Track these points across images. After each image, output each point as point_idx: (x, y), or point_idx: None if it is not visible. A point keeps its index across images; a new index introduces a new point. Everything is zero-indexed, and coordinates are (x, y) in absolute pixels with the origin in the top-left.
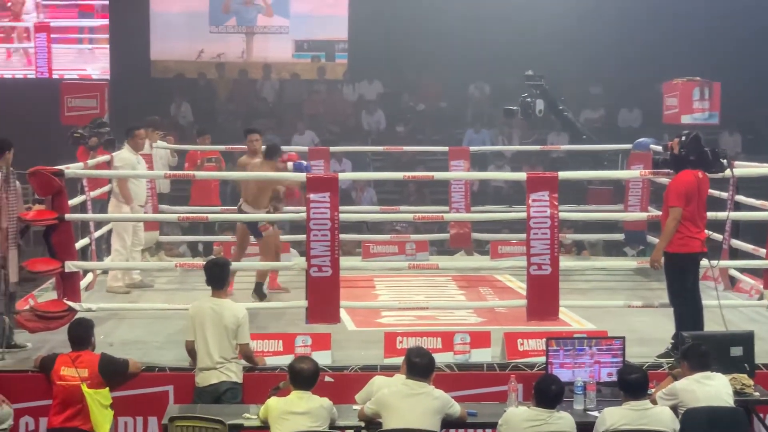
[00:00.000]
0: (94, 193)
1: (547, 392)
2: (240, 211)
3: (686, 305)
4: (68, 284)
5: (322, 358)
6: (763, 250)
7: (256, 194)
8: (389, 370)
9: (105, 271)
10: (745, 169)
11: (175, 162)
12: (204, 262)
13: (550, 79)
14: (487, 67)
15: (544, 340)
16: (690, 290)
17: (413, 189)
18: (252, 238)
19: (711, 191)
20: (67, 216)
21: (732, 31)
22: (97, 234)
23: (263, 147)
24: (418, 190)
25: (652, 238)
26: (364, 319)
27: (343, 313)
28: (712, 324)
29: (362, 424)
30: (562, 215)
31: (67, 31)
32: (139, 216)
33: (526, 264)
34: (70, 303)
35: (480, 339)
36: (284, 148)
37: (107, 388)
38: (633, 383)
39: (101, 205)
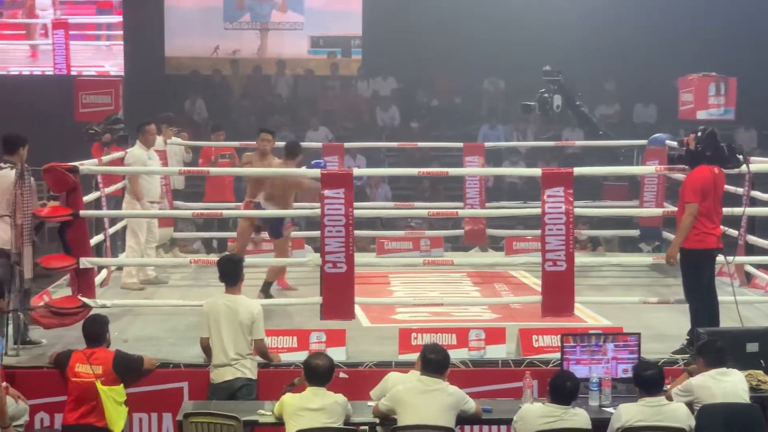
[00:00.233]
0: (108, 190)
1: (562, 388)
2: (257, 207)
3: (702, 301)
4: (83, 280)
5: (337, 354)
6: None
7: (282, 194)
8: (404, 367)
9: (119, 268)
10: (760, 164)
11: (189, 158)
12: (218, 258)
13: (565, 74)
14: (502, 62)
15: (559, 336)
16: (706, 286)
17: (428, 185)
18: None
19: (727, 187)
20: (82, 212)
21: (748, 27)
22: (111, 230)
23: (284, 144)
24: (433, 186)
25: (667, 234)
26: (378, 316)
27: (357, 310)
28: (727, 320)
29: (377, 420)
30: (577, 211)
31: (85, 27)
32: (153, 212)
33: (541, 260)
34: (85, 299)
35: (495, 335)
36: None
37: (122, 385)
38: (648, 379)
39: (116, 201)
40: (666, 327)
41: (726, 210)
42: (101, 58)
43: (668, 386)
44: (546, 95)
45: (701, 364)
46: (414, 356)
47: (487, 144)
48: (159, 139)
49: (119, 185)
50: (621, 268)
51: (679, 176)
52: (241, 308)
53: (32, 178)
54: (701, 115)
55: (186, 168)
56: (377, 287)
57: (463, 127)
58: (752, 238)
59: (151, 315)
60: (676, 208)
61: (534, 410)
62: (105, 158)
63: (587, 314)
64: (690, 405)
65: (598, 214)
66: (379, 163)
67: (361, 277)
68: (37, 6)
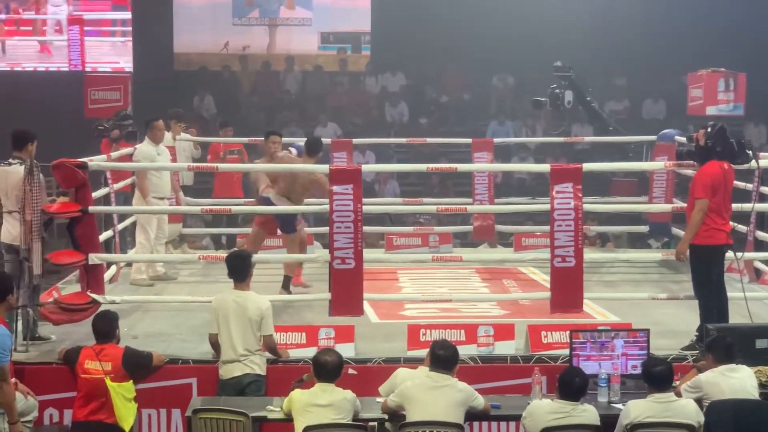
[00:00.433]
0: (117, 186)
1: (571, 385)
2: (265, 202)
3: (711, 297)
4: (92, 276)
5: (346, 350)
6: None
7: (301, 192)
8: (412, 363)
9: (129, 264)
10: None
11: (198, 154)
12: (226, 255)
13: (574, 70)
14: (511, 58)
15: (568, 332)
16: (715, 282)
17: (436, 181)
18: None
19: (736, 183)
20: (91, 208)
21: (757, 22)
22: (120, 226)
23: (304, 141)
24: (442, 182)
25: (676, 230)
26: (387, 312)
27: (366, 306)
28: (737, 316)
29: (385, 416)
30: (586, 207)
31: (100, 23)
32: (162, 208)
33: (550, 256)
34: (94, 295)
35: (504, 331)
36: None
37: (131, 382)
38: (657, 375)
39: (125, 197)
40: (675, 323)
41: (735, 206)
42: (116, 54)
43: (677, 382)
44: (557, 91)
45: (710, 360)
46: (423, 352)
47: (496, 140)
48: (168, 136)
49: (128, 181)
50: (630, 265)
51: (689, 172)
52: (249, 304)
53: (41, 175)
54: (710, 110)
55: (195, 164)
56: (386, 283)
57: (472, 123)
58: (762, 234)
59: (160, 311)
60: (685, 204)
61: (543, 406)
62: (114, 154)
63: (596, 310)
64: (699, 401)
65: (607, 210)
66: (388, 159)
67: (370, 274)
68: (50, 1)
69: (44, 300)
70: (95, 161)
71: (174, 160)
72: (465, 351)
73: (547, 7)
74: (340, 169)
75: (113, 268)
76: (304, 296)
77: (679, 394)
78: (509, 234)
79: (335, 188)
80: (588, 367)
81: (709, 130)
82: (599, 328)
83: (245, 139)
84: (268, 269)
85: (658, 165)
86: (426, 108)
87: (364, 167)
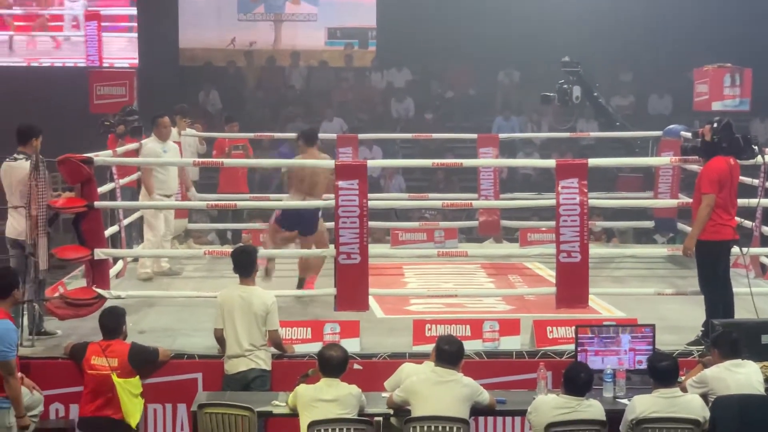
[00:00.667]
0: (123, 181)
1: (577, 380)
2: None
3: (717, 293)
4: (97, 271)
5: (351, 345)
6: None
7: (325, 188)
8: (418, 358)
9: (135, 259)
10: None
11: (203, 149)
12: (232, 250)
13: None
14: (517, 54)
15: (574, 327)
16: (721, 278)
17: (442, 176)
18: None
19: (742, 178)
20: (97, 204)
21: (763, 17)
22: (126, 221)
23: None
24: (447, 178)
25: (682, 226)
26: (392, 307)
27: (371, 301)
28: (742, 311)
29: (391, 411)
30: (592, 202)
31: (116, 19)
32: (168, 204)
33: (556, 251)
34: (100, 290)
35: (509, 326)
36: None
37: (137, 377)
38: (663, 371)
39: (131, 192)
40: (681, 318)
41: (741, 201)
42: (132, 49)
43: (683, 378)
44: (565, 86)
45: (716, 355)
46: (428, 347)
47: (502, 135)
48: (173, 131)
49: (134, 177)
50: (635, 260)
51: (694, 167)
52: (255, 299)
53: (46, 170)
54: (716, 106)
55: (200, 159)
56: (391, 278)
57: (477, 118)
58: (767, 230)
59: (166, 306)
60: (690, 200)
61: (548, 401)
62: (119, 149)
63: (602, 306)
64: (705, 396)
65: (612, 205)
66: (394, 155)
67: (376, 269)
68: None
69: (50, 295)
70: (101, 156)
71: (182, 156)
72: (470, 346)
73: (552, 2)
74: (346, 164)
75: (120, 264)
76: (309, 291)
77: (684, 390)
78: (515, 229)
79: (341, 183)
80: (593, 363)
81: (715, 125)
82: (605, 323)
83: (251, 135)
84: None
85: (663, 160)
86: (432, 103)
87: (370, 162)
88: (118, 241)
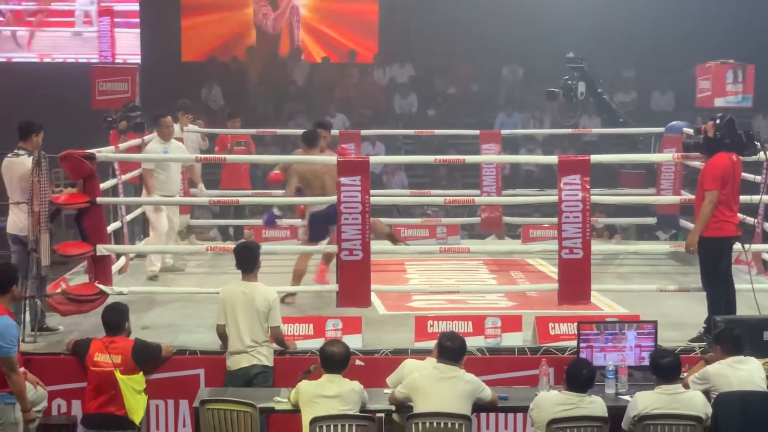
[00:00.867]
0: (125, 177)
1: (579, 376)
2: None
3: (719, 289)
4: (100, 267)
5: (353, 341)
6: None
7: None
8: (420, 354)
9: (139, 255)
10: None
11: (205, 146)
12: (234, 246)
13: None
14: (520, 50)
15: (576, 324)
16: (723, 274)
17: (444, 173)
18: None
19: (744, 175)
20: (99, 199)
21: (766, 14)
22: (129, 217)
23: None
24: (449, 174)
25: (684, 222)
26: (394, 303)
27: (373, 297)
28: (745, 308)
29: (393, 407)
30: (594, 199)
31: (129, 15)
32: (170, 200)
33: (558, 248)
34: (102, 286)
35: (511, 323)
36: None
37: (140, 374)
38: (665, 367)
39: (133, 188)
40: (683, 315)
41: (743, 198)
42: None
43: (685, 374)
44: (570, 82)
45: (718, 352)
46: (430, 344)
47: (504, 131)
48: (176, 127)
49: (136, 173)
50: (638, 256)
51: (696, 164)
52: (257, 295)
53: (48, 166)
54: (719, 102)
55: (202, 155)
56: (393, 275)
57: (480, 114)
58: None
59: (168, 302)
60: (693, 196)
61: (550, 398)
62: (122, 145)
63: (604, 302)
64: (707, 393)
65: (615, 201)
66: (396, 151)
67: (378, 265)
68: None
69: (52, 291)
70: (103, 152)
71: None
72: (472, 342)
73: None
74: (348, 160)
75: (122, 260)
76: (311, 287)
77: (686, 386)
78: (517, 225)
79: (343, 179)
80: (595, 359)
81: (717, 121)
82: (607, 319)
83: (253, 131)
84: (276, 260)
85: (666, 157)
86: (434, 99)
87: (372, 158)
88: (120, 237)
